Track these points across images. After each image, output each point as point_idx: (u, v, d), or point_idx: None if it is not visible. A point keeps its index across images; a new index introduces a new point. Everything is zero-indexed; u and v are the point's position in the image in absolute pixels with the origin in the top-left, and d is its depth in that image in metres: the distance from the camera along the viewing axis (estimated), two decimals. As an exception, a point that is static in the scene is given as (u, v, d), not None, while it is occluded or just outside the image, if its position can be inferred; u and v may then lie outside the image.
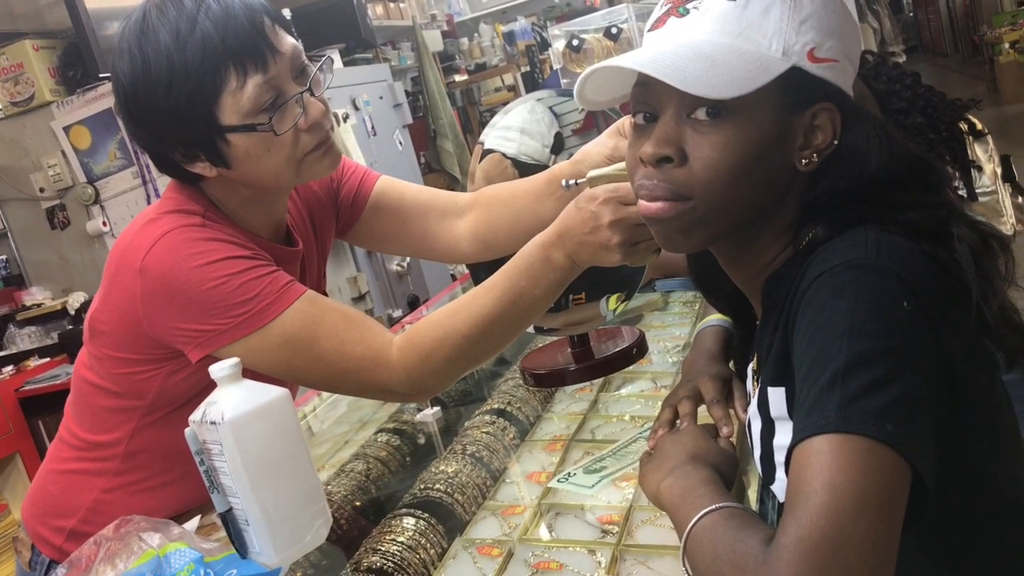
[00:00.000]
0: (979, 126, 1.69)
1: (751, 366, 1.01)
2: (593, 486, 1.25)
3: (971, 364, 0.80)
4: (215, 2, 1.10)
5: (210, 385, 0.99)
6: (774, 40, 0.82)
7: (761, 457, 0.89)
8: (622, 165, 1.03)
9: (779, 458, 0.86)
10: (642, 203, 0.88)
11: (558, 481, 1.30)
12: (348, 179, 1.45)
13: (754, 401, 0.91)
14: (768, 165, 0.84)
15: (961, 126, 1.46)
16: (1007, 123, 8.69)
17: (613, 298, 1.19)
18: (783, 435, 0.85)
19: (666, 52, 0.83)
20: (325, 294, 1.46)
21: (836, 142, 0.85)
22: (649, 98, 0.87)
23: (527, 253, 1.12)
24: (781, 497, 0.86)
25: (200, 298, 1.11)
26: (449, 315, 1.15)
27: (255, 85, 1.10)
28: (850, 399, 0.70)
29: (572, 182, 1.07)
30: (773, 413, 0.85)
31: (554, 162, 1.37)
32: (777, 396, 0.84)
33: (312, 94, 1.17)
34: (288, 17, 4.50)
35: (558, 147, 1.44)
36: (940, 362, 0.75)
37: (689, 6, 0.85)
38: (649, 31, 0.90)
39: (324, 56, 1.24)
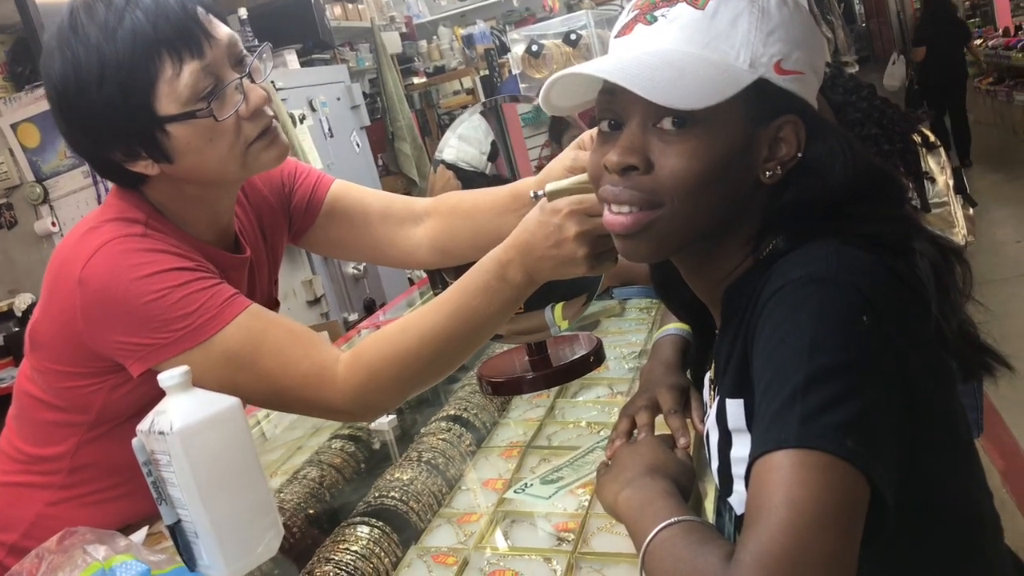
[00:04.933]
0: (932, 138, 1.72)
1: (708, 375, 1.01)
2: (550, 497, 1.24)
3: (929, 377, 0.81)
4: None
5: (157, 398, 0.97)
6: (742, 51, 0.82)
7: (719, 469, 0.89)
8: (581, 177, 1.02)
9: (736, 470, 0.86)
10: (607, 215, 0.88)
11: (514, 492, 1.29)
12: (301, 184, 1.42)
13: (712, 412, 0.91)
14: (732, 176, 0.84)
15: (915, 138, 1.49)
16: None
17: (559, 307, 1.19)
18: (741, 447, 0.85)
19: (634, 60, 0.83)
20: (277, 301, 1.44)
21: (800, 154, 0.85)
22: (615, 106, 0.86)
23: (483, 269, 1.09)
24: (738, 509, 0.86)
25: (140, 311, 1.08)
26: (398, 332, 1.12)
27: (192, 72, 1.08)
28: (811, 414, 0.70)
29: (541, 192, 1.05)
30: (731, 425, 0.86)
31: (490, 170, 1.38)
32: (735, 408, 0.85)
33: (252, 80, 1.15)
34: (245, 16, 4.39)
35: (494, 154, 1.44)
36: (899, 376, 0.76)
37: (657, 13, 0.85)
38: (616, 37, 0.90)
39: (263, 44, 1.22)
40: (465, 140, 1.44)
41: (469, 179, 1.38)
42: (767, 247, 0.86)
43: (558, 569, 1.11)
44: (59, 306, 1.13)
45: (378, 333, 1.15)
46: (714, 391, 0.96)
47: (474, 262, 1.12)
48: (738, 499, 0.86)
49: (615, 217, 0.87)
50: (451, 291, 1.11)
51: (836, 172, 0.84)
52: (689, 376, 1.17)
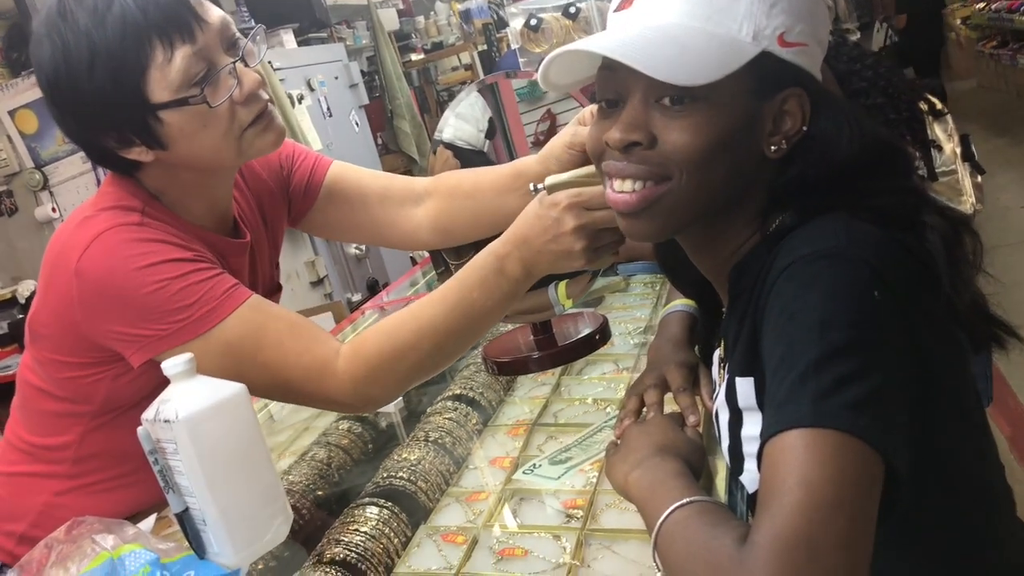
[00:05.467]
0: (938, 106, 1.70)
1: (717, 353, 1.01)
2: (559, 477, 1.24)
3: (941, 352, 0.80)
4: None
5: (161, 385, 0.96)
6: (744, 24, 0.80)
7: (729, 448, 0.89)
8: (580, 172, 1.02)
9: (747, 449, 0.86)
10: (611, 195, 0.87)
11: (523, 473, 1.29)
12: (299, 167, 1.41)
13: (721, 391, 0.91)
14: (737, 151, 0.83)
15: (921, 106, 1.47)
16: (959, 98, 8.83)
17: (562, 286, 1.18)
18: (751, 426, 0.84)
19: (635, 36, 0.82)
20: (279, 285, 1.43)
21: (805, 128, 0.84)
22: (615, 82, 0.85)
23: (480, 264, 1.09)
24: (750, 488, 0.85)
25: (138, 302, 1.07)
26: (397, 325, 1.12)
27: (184, 57, 1.06)
28: (824, 392, 0.69)
29: (540, 186, 1.04)
30: (741, 403, 0.85)
31: (488, 147, 1.36)
32: (745, 386, 0.84)
33: (246, 64, 1.13)
34: (241, -4, 4.30)
35: (491, 132, 1.43)
36: (911, 351, 0.75)
37: None
38: (615, 11, 0.88)
39: (257, 26, 1.20)
40: (463, 119, 1.43)
41: (467, 158, 1.37)
42: (773, 222, 0.85)
43: (567, 546, 1.11)
44: (56, 297, 1.12)
45: (378, 326, 1.14)
46: (723, 369, 0.95)
47: (476, 242, 1.11)
48: (750, 478, 0.85)
49: (619, 195, 0.86)
50: (449, 285, 1.11)
51: (842, 145, 0.83)
52: (697, 352, 1.16)
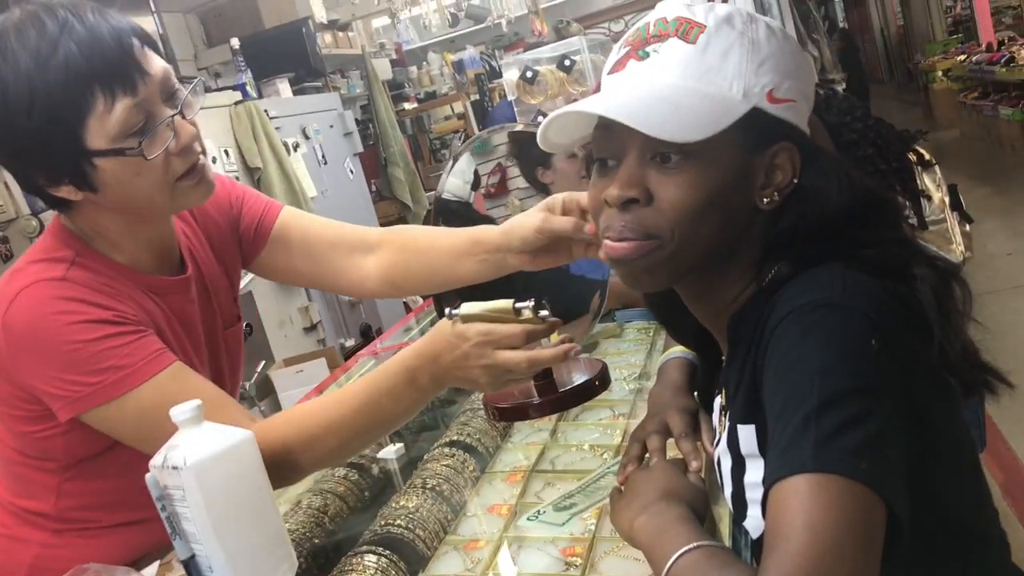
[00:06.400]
0: (927, 156, 1.74)
1: (718, 400, 1.02)
2: (564, 524, 1.25)
3: (935, 398, 0.82)
4: (80, 24, 1.06)
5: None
6: (735, 82, 0.84)
7: (732, 494, 0.90)
8: (495, 305, 1.04)
9: (751, 495, 0.87)
10: (607, 243, 0.89)
11: (527, 519, 1.29)
12: (249, 208, 1.42)
13: (723, 438, 0.92)
14: (730, 204, 0.86)
15: (910, 156, 1.51)
16: (943, 148, 8.98)
17: (554, 338, 1.20)
18: (754, 472, 0.86)
19: (631, 97, 0.85)
20: (238, 317, 1.43)
21: (796, 180, 0.86)
22: (612, 142, 0.88)
23: (392, 372, 1.11)
24: (754, 534, 0.86)
25: (57, 360, 1.08)
26: (307, 417, 1.14)
27: (124, 109, 1.07)
28: (825, 438, 0.71)
29: (454, 313, 1.06)
30: (743, 450, 0.86)
31: (472, 199, 1.39)
32: (747, 433, 0.85)
33: (183, 117, 1.14)
34: (237, 46, 4.39)
35: (476, 183, 1.45)
36: (906, 398, 0.77)
37: (649, 49, 0.87)
38: (608, 74, 0.92)
39: (196, 79, 1.21)
40: (452, 173, 1.46)
41: (454, 210, 1.40)
42: (768, 272, 0.87)
43: (567, 594, 1.11)
44: None
45: (288, 414, 1.17)
46: (724, 417, 0.96)
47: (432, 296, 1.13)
48: (753, 523, 0.86)
49: (615, 245, 0.88)
50: (361, 386, 1.14)
51: (832, 196, 0.85)
52: (696, 399, 1.18)
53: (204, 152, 1.19)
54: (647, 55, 0.87)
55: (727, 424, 0.92)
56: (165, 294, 1.22)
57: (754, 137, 0.85)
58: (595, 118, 0.88)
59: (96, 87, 1.05)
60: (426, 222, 1.53)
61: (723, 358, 0.99)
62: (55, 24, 1.05)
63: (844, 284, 0.79)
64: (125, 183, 1.11)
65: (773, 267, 0.87)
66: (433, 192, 1.51)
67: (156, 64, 1.12)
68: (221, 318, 1.37)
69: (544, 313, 1.04)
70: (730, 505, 0.91)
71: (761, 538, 0.78)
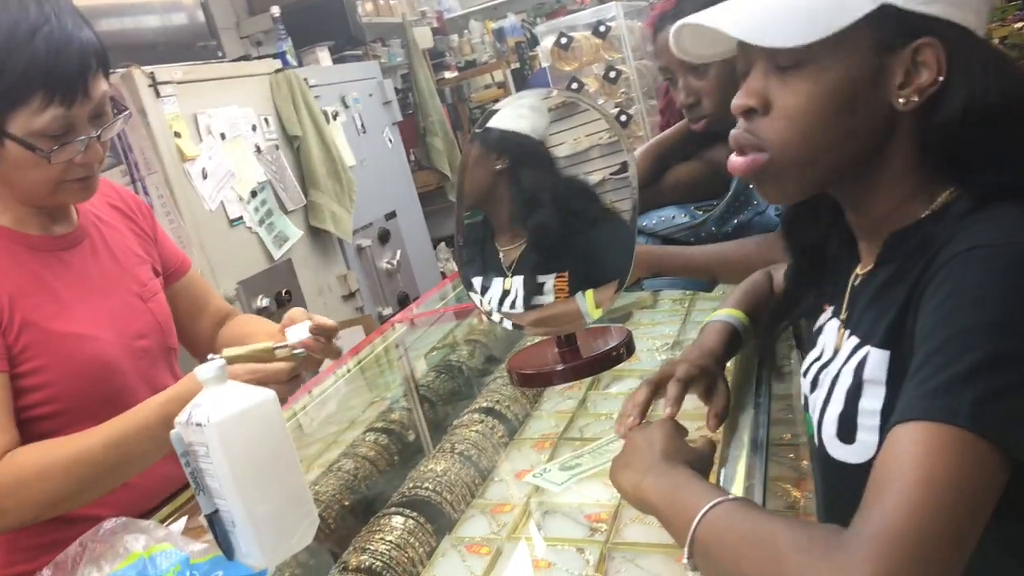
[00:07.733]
0: None
1: (828, 315, 0.97)
2: (562, 483, 1.26)
3: None
4: (58, 27, 1.14)
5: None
6: None
7: (841, 414, 0.85)
8: (257, 346, 1.15)
9: (864, 421, 0.82)
10: (731, 157, 0.88)
11: (533, 476, 1.31)
12: (166, 251, 1.56)
13: (843, 355, 0.87)
14: (860, 108, 0.82)
15: None
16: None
17: (589, 294, 1.19)
18: (873, 399, 0.81)
19: (745, 3, 0.83)
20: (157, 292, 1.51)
21: (942, 78, 0.80)
22: (744, 53, 0.87)
23: (145, 413, 1.17)
24: (855, 459, 0.82)
25: None
26: (57, 446, 1.17)
27: (53, 116, 1.16)
28: (988, 397, 0.66)
29: (215, 357, 1.09)
30: (867, 375, 0.82)
31: None
32: (879, 358, 0.81)
33: (99, 140, 1.22)
34: (277, 14, 4.37)
35: None
36: None
37: None
38: None
39: (126, 110, 1.29)
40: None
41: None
42: (940, 194, 0.82)
43: (591, 559, 1.12)
44: None
45: (43, 443, 1.19)
46: (842, 330, 0.91)
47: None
48: (860, 449, 0.82)
49: (733, 159, 0.88)
50: (114, 423, 1.18)
51: (984, 95, 0.79)
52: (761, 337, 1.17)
53: (102, 163, 1.27)
54: None
55: (848, 340, 0.87)
56: (54, 251, 1.31)
57: (889, 34, 0.80)
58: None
59: (41, 90, 1.14)
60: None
61: (856, 273, 0.93)
62: (39, 16, 1.13)
63: None
64: (22, 171, 1.20)
65: (945, 191, 0.82)
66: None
67: (100, 88, 1.21)
68: (123, 287, 1.42)
69: (298, 351, 1.19)
70: (835, 425, 0.85)
71: (859, 466, 0.75)
